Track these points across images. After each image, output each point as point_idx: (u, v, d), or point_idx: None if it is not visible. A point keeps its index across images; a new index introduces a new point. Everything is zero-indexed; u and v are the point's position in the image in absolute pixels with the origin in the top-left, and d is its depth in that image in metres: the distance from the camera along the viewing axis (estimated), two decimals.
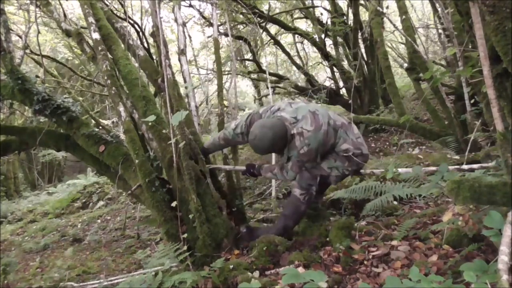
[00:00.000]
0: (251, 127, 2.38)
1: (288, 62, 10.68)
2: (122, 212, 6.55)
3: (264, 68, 8.74)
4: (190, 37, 6.93)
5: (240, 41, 9.11)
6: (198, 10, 7.58)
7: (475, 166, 1.96)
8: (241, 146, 9.37)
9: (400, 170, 2.14)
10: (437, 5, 4.88)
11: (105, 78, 2.91)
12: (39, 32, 4.56)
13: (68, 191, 9.17)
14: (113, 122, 10.31)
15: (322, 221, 2.67)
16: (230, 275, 2.07)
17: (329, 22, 8.56)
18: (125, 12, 6.47)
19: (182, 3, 6.54)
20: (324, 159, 2.44)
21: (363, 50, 8.07)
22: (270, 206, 4.78)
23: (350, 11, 8.00)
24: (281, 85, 9.58)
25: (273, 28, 9.90)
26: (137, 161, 2.65)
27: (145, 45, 6.99)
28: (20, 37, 6.74)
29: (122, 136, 3.38)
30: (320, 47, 8.63)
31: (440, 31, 6.99)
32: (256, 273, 2.09)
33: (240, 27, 8.72)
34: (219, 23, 7.29)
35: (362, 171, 2.47)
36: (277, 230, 2.53)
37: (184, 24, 4.22)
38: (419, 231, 2.20)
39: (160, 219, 2.60)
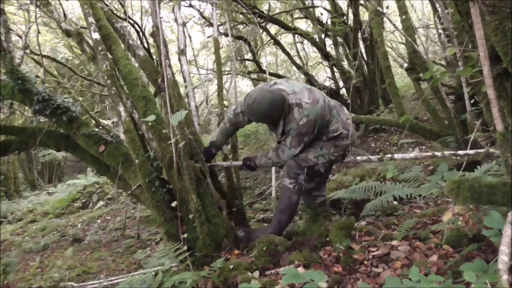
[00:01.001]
0: None
1: (288, 62, 10.68)
2: (122, 212, 6.55)
3: (264, 68, 8.74)
4: (190, 37, 6.93)
5: (240, 41, 9.11)
6: (198, 10, 7.58)
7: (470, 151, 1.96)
8: (241, 146, 9.37)
9: (396, 155, 2.16)
10: (437, 5, 4.88)
11: (105, 78, 2.91)
12: (39, 32, 4.56)
13: (68, 191, 9.17)
14: (113, 122, 10.31)
15: (322, 221, 2.67)
16: (230, 275, 2.07)
17: (329, 22, 8.56)
18: (125, 12, 6.47)
19: (182, 3, 6.54)
20: (310, 148, 2.45)
21: (363, 50, 8.07)
22: (270, 206, 4.78)
23: (350, 11, 8.00)
24: None
25: (273, 28, 9.90)
26: (137, 161, 2.65)
27: (145, 45, 7.00)
28: (20, 37, 6.74)
29: (122, 136, 3.38)
30: (320, 47, 8.63)
31: (440, 31, 6.99)
32: (256, 273, 2.09)
33: (240, 27, 8.72)
34: (219, 23, 7.29)
35: (359, 158, 2.48)
36: (274, 228, 2.54)
37: (184, 24, 4.22)
38: (419, 231, 2.20)
39: (160, 219, 2.60)
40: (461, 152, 2.00)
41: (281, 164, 2.57)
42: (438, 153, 2.05)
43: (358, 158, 2.50)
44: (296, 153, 2.43)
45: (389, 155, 2.24)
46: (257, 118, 2.40)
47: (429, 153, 2.14)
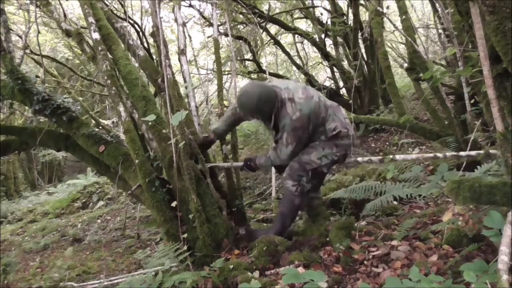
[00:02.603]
0: None
1: (288, 62, 10.67)
2: (122, 212, 6.55)
3: (264, 68, 8.74)
4: (190, 37, 6.92)
5: (240, 41, 9.11)
6: (198, 10, 7.57)
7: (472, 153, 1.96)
8: (241, 146, 9.37)
9: (398, 157, 2.16)
10: (437, 5, 4.88)
11: (105, 78, 2.91)
12: (39, 32, 4.56)
13: (68, 191, 9.17)
14: (113, 122, 10.31)
15: (322, 221, 2.67)
16: (230, 275, 2.07)
17: (329, 22, 8.56)
18: (125, 12, 6.47)
19: (182, 3, 6.53)
20: (312, 149, 2.44)
21: (363, 50, 8.07)
22: (270, 206, 4.78)
23: (350, 11, 8.00)
24: None
25: (273, 28, 9.89)
26: (137, 161, 2.65)
27: (145, 45, 6.99)
28: (20, 37, 6.74)
29: (122, 136, 3.38)
30: (320, 47, 8.63)
31: (440, 31, 7.00)
32: (256, 273, 2.09)
33: (240, 27, 8.72)
34: (219, 23, 7.29)
35: (360, 158, 2.48)
36: (276, 230, 2.52)
37: (184, 24, 4.22)
38: (419, 231, 2.20)
39: (160, 219, 2.59)
40: (463, 154, 2.00)
41: (281, 163, 2.54)
42: (439, 154, 2.04)
43: (359, 159, 2.49)
44: (294, 151, 2.40)
45: (390, 156, 2.23)
46: (246, 112, 2.35)
47: (431, 154, 2.14)
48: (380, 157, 2.33)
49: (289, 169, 2.50)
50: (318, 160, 2.44)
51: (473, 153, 1.95)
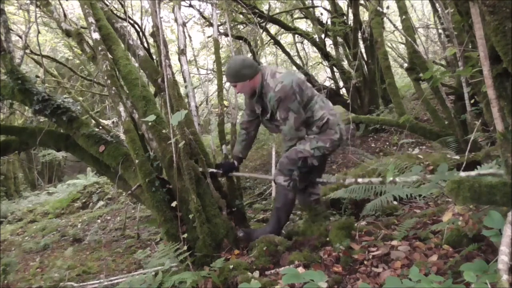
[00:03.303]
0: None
1: (288, 62, 10.66)
2: (122, 212, 6.55)
3: None
4: (190, 37, 6.92)
5: (240, 41, 9.11)
6: (198, 10, 7.57)
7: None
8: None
9: (398, 179, 2.16)
10: (437, 5, 4.88)
11: (105, 78, 2.91)
12: (39, 32, 4.56)
13: (68, 191, 9.18)
14: (113, 122, 10.31)
15: (322, 221, 2.67)
16: (230, 275, 2.07)
17: (329, 22, 8.56)
18: (125, 12, 6.47)
19: (182, 3, 6.54)
20: (307, 141, 2.50)
21: (363, 50, 8.07)
22: (270, 206, 4.78)
23: (350, 11, 8.00)
24: None
25: (273, 28, 9.89)
26: (137, 161, 2.65)
27: (145, 45, 7.00)
28: (20, 37, 6.74)
29: (122, 136, 3.38)
30: (320, 47, 8.63)
31: (440, 31, 7.00)
32: (256, 273, 2.09)
33: (240, 27, 8.72)
34: (219, 23, 7.29)
35: (360, 180, 2.49)
36: (272, 227, 2.55)
37: (184, 24, 4.22)
38: (419, 231, 2.20)
39: (160, 219, 2.59)
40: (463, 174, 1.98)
41: (289, 144, 2.53)
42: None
43: (360, 180, 2.50)
44: (295, 123, 2.43)
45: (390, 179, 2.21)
46: (231, 75, 2.47)
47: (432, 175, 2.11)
48: (381, 179, 2.34)
49: (279, 165, 2.54)
50: (312, 150, 2.49)
51: (473, 173, 1.94)
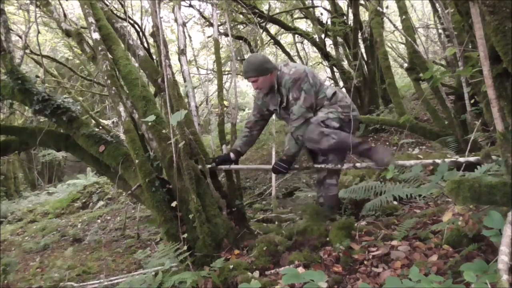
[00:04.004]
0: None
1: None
2: (122, 212, 6.55)
3: None
4: (190, 37, 6.92)
5: (240, 41, 9.11)
6: (198, 10, 7.58)
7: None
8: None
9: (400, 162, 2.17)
10: (437, 5, 4.88)
11: (105, 78, 2.91)
12: (39, 32, 4.56)
13: (68, 191, 9.18)
14: (113, 122, 10.31)
15: (322, 221, 2.67)
16: (230, 275, 2.07)
17: (329, 22, 8.56)
18: (125, 12, 6.47)
19: (182, 3, 6.54)
20: (319, 112, 2.59)
21: (363, 50, 8.07)
22: (270, 206, 4.78)
23: (350, 11, 8.00)
24: None
25: (273, 28, 9.89)
26: (137, 161, 2.65)
27: (145, 45, 6.99)
28: (20, 37, 6.74)
29: (122, 136, 3.38)
30: (320, 47, 8.63)
31: (440, 31, 7.00)
32: (256, 273, 2.09)
33: (240, 27, 8.72)
34: (219, 23, 7.29)
35: (358, 164, 2.50)
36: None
37: (184, 24, 4.22)
38: (419, 231, 2.20)
39: (160, 219, 2.59)
40: (461, 160, 1.99)
41: (297, 125, 2.55)
42: (439, 161, 2.04)
43: (358, 165, 2.49)
44: (305, 104, 2.50)
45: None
46: (254, 69, 2.53)
47: (430, 161, 2.13)
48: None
49: (310, 133, 2.53)
50: (325, 114, 2.56)
51: (472, 159, 1.94)
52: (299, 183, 5.62)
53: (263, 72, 2.55)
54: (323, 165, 2.68)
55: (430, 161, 2.13)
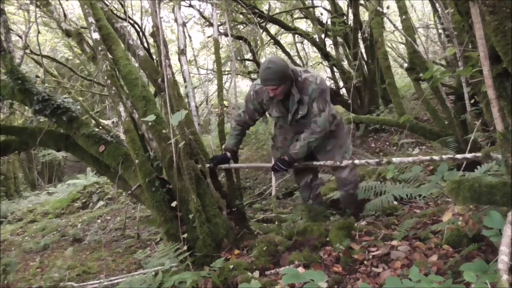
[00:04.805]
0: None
1: (288, 62, 10.66)
2: (122, 212, 6.55)
3: None
4: (190, 37, 6.92)
5: (240, 41, 9.11)
6: (198, 10, 7.58)
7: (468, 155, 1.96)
8: (241, 145, 9.36)
9: (394, 159, 2.17)
10: (437, 5, 4.88)
11: (105, 78, 2.91)
12: (39, 32, 4.56)
13: (68, 191, 9.17)
14: (113, 122, 10.31)
15: (322, 221, 2.67)
16: (230, 275, 2.07)
17: (329, 22, 8.56)
18: (125, 12, 6.47)
19: (182, 3, 6.54)
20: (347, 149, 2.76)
21: (363, 50, 8.06)
22: (270, 206, 4.78)
23: (350, 11, 8.00)
24: None
25: (273, 28, 9.89)
26: (137, 161, 2.65)
27: (145, 45, 7.00)
28: (20, 37, 6.74)
29: (122, 136, 3.38)
30: (320, 47, 8.62)
31: (440, 31, 7.00)
32: (256, 273, 2.09)
33: (240, 27, 8.72)
34: (219, 23, 7.29)
35: (357, 161, 2.50)
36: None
37: (184, 24, 4.22)
38: (419, 231, 2.20)
39: (160, 219, 2.59)
40: (459, 156, 1.99)
41: (318, 137, 2.53)
42: (436, 157, 2.05)
43: (356, 161, 2.49)
44: (328, 116, 2.49)
45: (385, 160, 2.22)
46: (278, 78, 2.37)
47: (427, 157, 2.14)
48: (377, 160, 2.32)
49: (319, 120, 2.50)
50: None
51: (469, 155, 1.94)
52: None
53: (285, 80, 2.40)
54: (322, 163, 2.67)
55: (428, 157, 2.13)
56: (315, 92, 2.42)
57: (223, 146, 2.95)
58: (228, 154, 2.81)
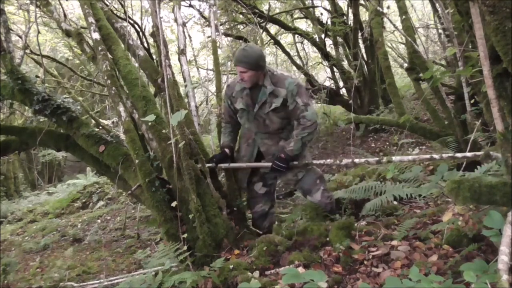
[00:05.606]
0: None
1: (288, 62, 10.66)
2: (122, 212, 6.54)
3: None
4: (190, 37, 6.92)
5: (240, 41, 9.10)
6: (198, 10, 7.58)
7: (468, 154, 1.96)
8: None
9: (394, 158, 2.17)
10: (437, 5, 4.88)
11: (105, 78, 2.91)
12: (39, 32, 4.56)
13: (68, 191, 9.16)
14: (113, 122, 10.31)
15: (322, 220, 2.67)
16: (230, 275, 2.07)
17: (329, 22, 8.56)
18: (125, 12, 6.47)
19: (182, 3, 6.54)
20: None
21: (363, 50, 8.06)
22: None
23: (350, 11, 8.00)
24: None
25: (273, 28, 9.88)
26: (137, 161, 2.65)
27: (145, 45, 7.00)
28: (20, 37, 6.74)
29: (122, 136, 3.38)
30: (320, 47, 8.62)
31: (440, 31, 7.00)
32: (256, 273, 2.09)
33: (240, 27, 8.72)
34: (220, 23, 7.29)
35: (357, 160, 2.49)
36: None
37: (184, 24, 4.22)
38: (419, 231, 2.20)
39: (160, 219, 2.59)
40: (459, 155, 2.00)
41: (310, 131, 2.54)
42: (436, 156, 2.05)
43: (356, 160, 2.49)
44: (314, 110, 2.54)
45: (385, 158, 2.22)
46: (249, 62, 2.44)
47: (427, 156, 2.14)
48: (377, 158, 2.32)
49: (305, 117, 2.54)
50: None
51: (469, 154, 1.94)
52: None
53: (257, 68, 2.49)
54: (321, 162, 2.68)
55: (428, 156, 2.14)
56: (292, 86, 2.50)
57: (220, 144, 2.94)
58: (227, 150, 2.81)
